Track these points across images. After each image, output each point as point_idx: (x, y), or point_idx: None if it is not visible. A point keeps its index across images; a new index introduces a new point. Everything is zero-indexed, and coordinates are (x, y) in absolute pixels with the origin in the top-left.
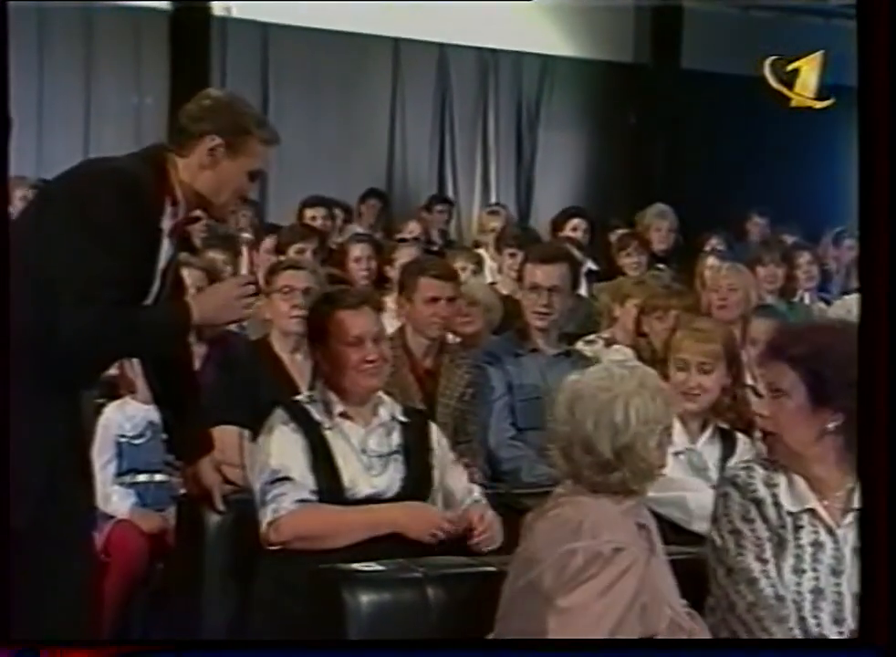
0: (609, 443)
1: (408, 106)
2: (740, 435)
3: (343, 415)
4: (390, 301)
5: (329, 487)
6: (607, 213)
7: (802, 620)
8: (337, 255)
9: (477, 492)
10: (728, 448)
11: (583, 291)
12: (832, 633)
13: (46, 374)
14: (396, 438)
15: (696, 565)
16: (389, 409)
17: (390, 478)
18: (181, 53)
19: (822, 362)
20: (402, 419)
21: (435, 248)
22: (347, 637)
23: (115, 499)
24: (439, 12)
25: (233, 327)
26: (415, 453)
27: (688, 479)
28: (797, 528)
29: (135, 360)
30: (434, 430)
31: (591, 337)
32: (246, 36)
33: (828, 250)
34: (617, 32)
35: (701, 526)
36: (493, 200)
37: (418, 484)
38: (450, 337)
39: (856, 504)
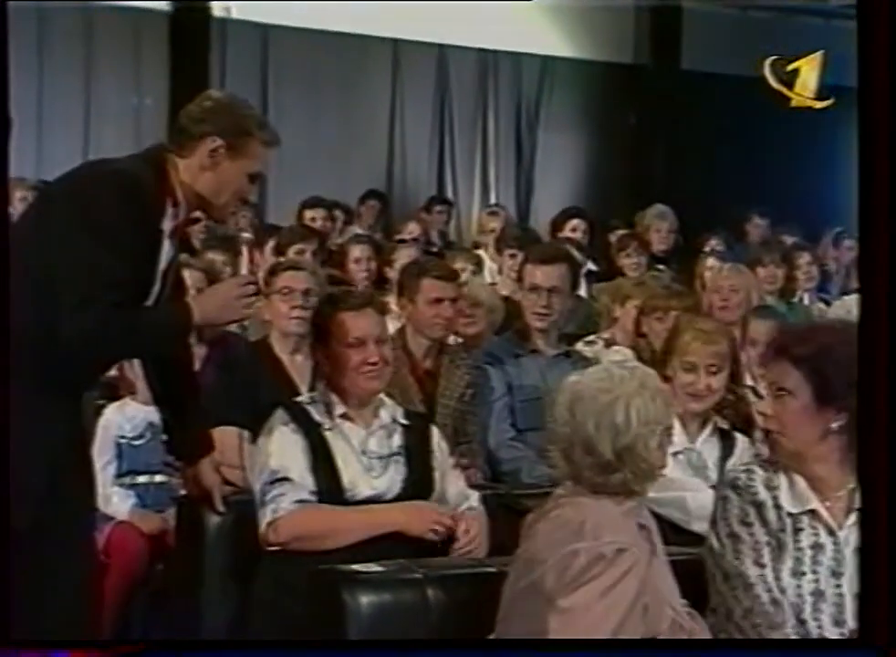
0: (610, 443)
1: (407, 107)
2: (739, 435)
3: (344, 416)
4: (390, 302)
5: (329, 488)
6: (606, 214)
7: (802, 622)
8: (336, 256)
9: (474, 499)
10: (727, 448)
11: (583, 292)
12: (833, 635)
13: (47, 375)
14: (397, 440)
15: (696, 565)
16: (390, 411)
17: (391, 480)
18: (180, 54)
19: (827, 362)
20: (403, 421)
21: (435, 249)
22: (347, 638)
23: (115, 500)
24: (438, 12)
25: (233, 328)
26: (416, 456)
27: (687, 479)
28: (797, 531)
29: (135, 361)
30: (435, 433)
31: (591, 337)
32: (246, 36)
33: (827, 250)
34: (617, 32)
35: (700, 526)
36: (492, 200)
37: (418, 487)
38: (451, 338)
39: (857, 504)
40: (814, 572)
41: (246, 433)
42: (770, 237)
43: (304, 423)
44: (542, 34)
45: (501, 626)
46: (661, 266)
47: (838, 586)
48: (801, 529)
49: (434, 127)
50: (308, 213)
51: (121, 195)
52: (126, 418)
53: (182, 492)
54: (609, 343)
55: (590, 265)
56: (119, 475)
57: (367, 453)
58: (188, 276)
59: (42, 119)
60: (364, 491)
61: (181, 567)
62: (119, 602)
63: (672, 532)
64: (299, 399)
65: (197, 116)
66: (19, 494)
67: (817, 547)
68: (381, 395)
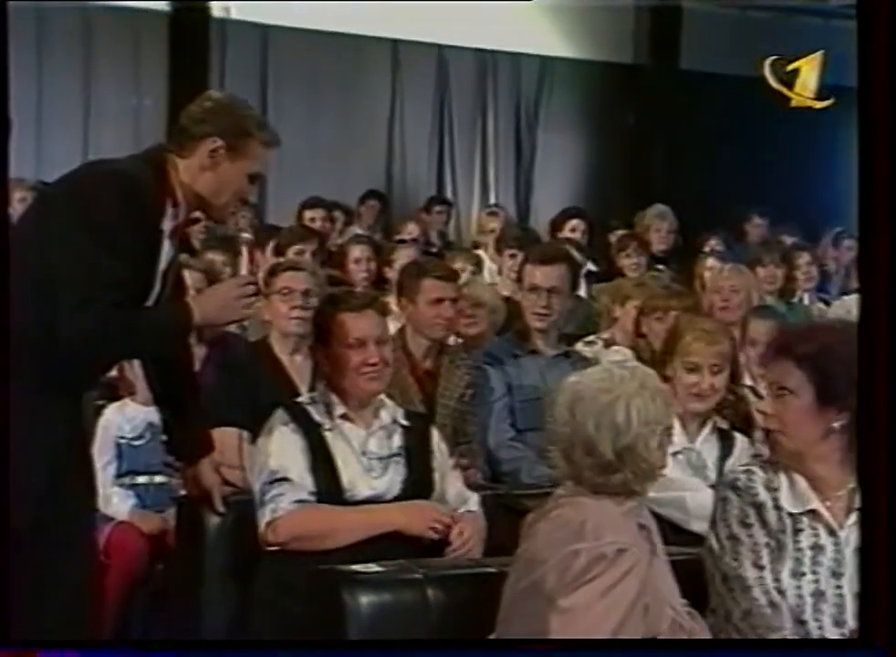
0: (611, 444)
1: (407, 107)
2: (738, 434)
3: (344, 417)
4: (391, 303)
5: (328, 488)
6: (606, 214)
7: (803, 623)
8: (336, 256)
9: (473, 502)
10: (726, 447)
11: (582, 292)
12: (833, 636)
13: (47, 375)
14: (397, 441)
15: (696, 565)
16: (390, 412)
17: (390, 480)
18: (180, 54)
19: (829, 361)
20: (404, 422)
21: (434, 249)
22: (347, 638)
23: (115, 501)
24: (438, 13)
25: (233, 328)
26: (416, 457)
27: (686, 479)
28: (797, 531)
29: (135, 362)
30: (435, 434)
31: (591, 338)
32: (245, 37)
33: (827, 251)
34: (616, 32)
35: (699, 526)
36: (492, 201)
37: (418, 487)
38: (451, 338)
39: (857, 504)
40: (814, 573)
41: (246, 434)
42: (770, 237)
43: (304, 424)
44: (541, 34)
45: (501, 626)
46: (660, 266)
47: (839, 586)
48: (801, 530)
49: (434, 127)
50: (308, 214)
51: (121, 196)
52: (126, 418)
53: (182, 492)
54: (608, 343)
55: (590, 266)
56: (119, 476)
57: (367, 453)
58: (188, 276)
59: (41, 120)
60: (364, 491)
61: (181, 567)
62: (119, 602)
63: (672, 532)
64: (299, 399)
65: (197, 116)
66: (19, 494)
67: (817, 547)
68: (382, 396)
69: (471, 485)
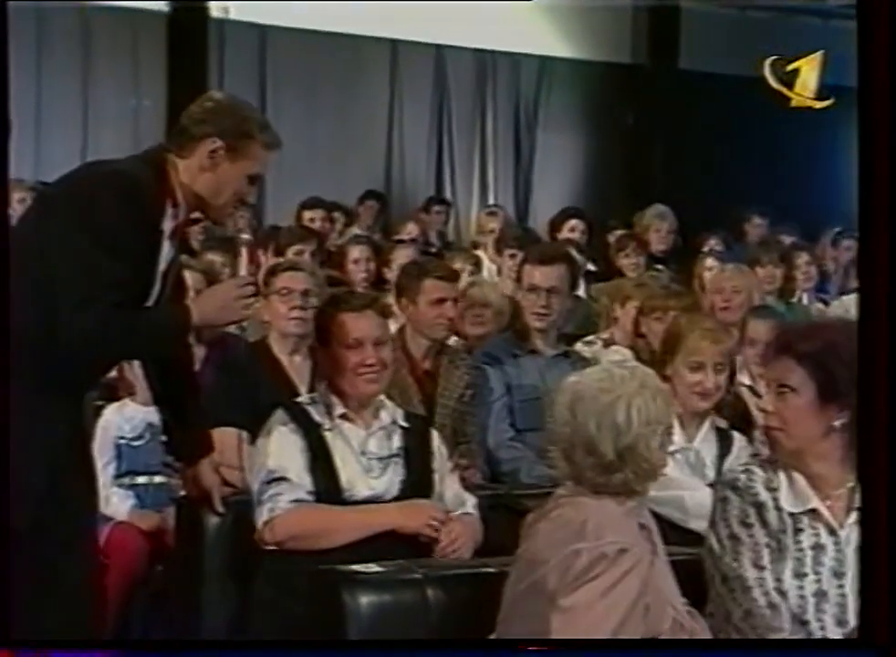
0: (612, 444)
1: (406, 107)
2: (736, 433)
3: (343, 417)
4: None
5: (327, 488)
6: (605, 214)
7: (805, 623)
8: (335, 256)
9: (470, 504)
10: (725, 446)
11: (581, 292)
12: (836, 636)
13: (47, 375)
14: (396, 441)
15: (696, 565)
16: (390, 412)
17: (390, 481)
18: (178, 55)
19: (830, 359)
20: (403, 423)
21: (433, 249)
22: (347, 638)
23: (114, 501)
24: (436, 13)
25: (232, 328)
26: (416, 457)
27: (685, 478)
28: (798, 531)
29: (135, 362)
30: (435, 435)
31: (590, 338)
32: (244, 37)
33: (826, 250)
34: (615, 32)
35: (698, 524)
36: (491, 201)
37: (417, 488)
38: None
39: (857, 502)
40: (816, 573)
41: (245, 434)
42: (769, 237)
43: (303, 424)
44: (540, 34)
45: (502, 626)
46: (659, 266)
47: (841, 586)
48: (801, 530)
49: (433, 127)
50: (307, 214)
51: (121, 196)
52: (125, 419)
53: (182, 492)
54: (607, 343)
55: (589, 266)
56: (119, 476)
57: (366, 453)
58: (188, 276)
59: (40, 121)
60: (362, 491)
61: (180, 567)
62: (119, 602)
63: (671, 531)
64: (300, 399)
65: (198, 116)
66: (19, 494)
67: (818, 547)
68: (381, 397)
69: (470, 486)
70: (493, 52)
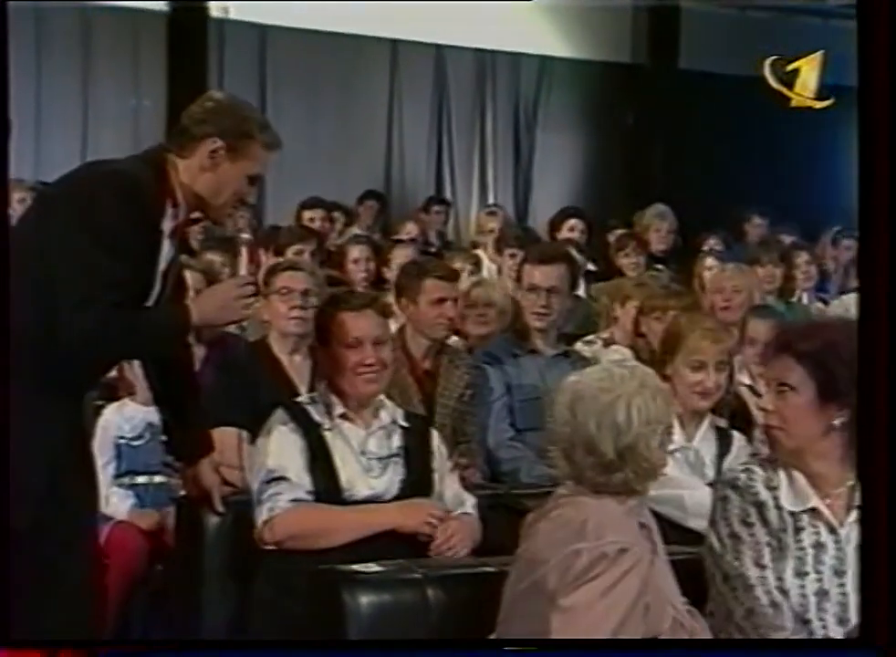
0: (612, 443)
1: (405, 107)
2: (735, 432)
3: (343, 417)
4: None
5: (327, 488)
6: (605, 214)
7: (807, 622)
8: (335, 256)
9: (469, 505)
10: (724, 445)
11: (581, 292)
12: (838, 635)
13: (47, 375)
14: (396, 441)
15: (696, 564)
16: (390, 412)
17: (389, 481)
18: (178, 55)
19: (830, 358)
20: (403, 423)
21: (433, 249)
22: (347, 638)
23: (114, 500)
24: (436, 13)
25: (232, 328)
26: (415, 457)
27: (684, 477)
28: (798, 530)
29: (135, 362)
30: (435, 435)
31: (590, 337)
32: (244, 37)
33: (826, 250)
34: (614, 32)
35: (697, 523)
36: (490, 201)
37: (417, 488)
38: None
39: (857, 501)
40: (817, 572)
41: (245, 434)
42: (769, 237)
43: (303, 423)
44: (540, 34)
45: (502, 626)
46: (659, 266)
47: (842, 585)
48: (802, 529)
49: (432, 127)
50: (307, 214)
51: (121, 196)
52: (125, 418)
53: (182, 492)
54: (607, 343)
55: (589, 265)
56: (118, 476)
57: (366, 453)
58: (187, 276)
59: (40, 121)
60: (362, 491)
61: (180, 567)
62: (119, 602)
63: (670, 530)
64: (300, 399)
65: (198, 116)
66: (19, 494)
67: (818, 546)
68: (381, 396)
69: (470, 486)
70: (493, 52)
